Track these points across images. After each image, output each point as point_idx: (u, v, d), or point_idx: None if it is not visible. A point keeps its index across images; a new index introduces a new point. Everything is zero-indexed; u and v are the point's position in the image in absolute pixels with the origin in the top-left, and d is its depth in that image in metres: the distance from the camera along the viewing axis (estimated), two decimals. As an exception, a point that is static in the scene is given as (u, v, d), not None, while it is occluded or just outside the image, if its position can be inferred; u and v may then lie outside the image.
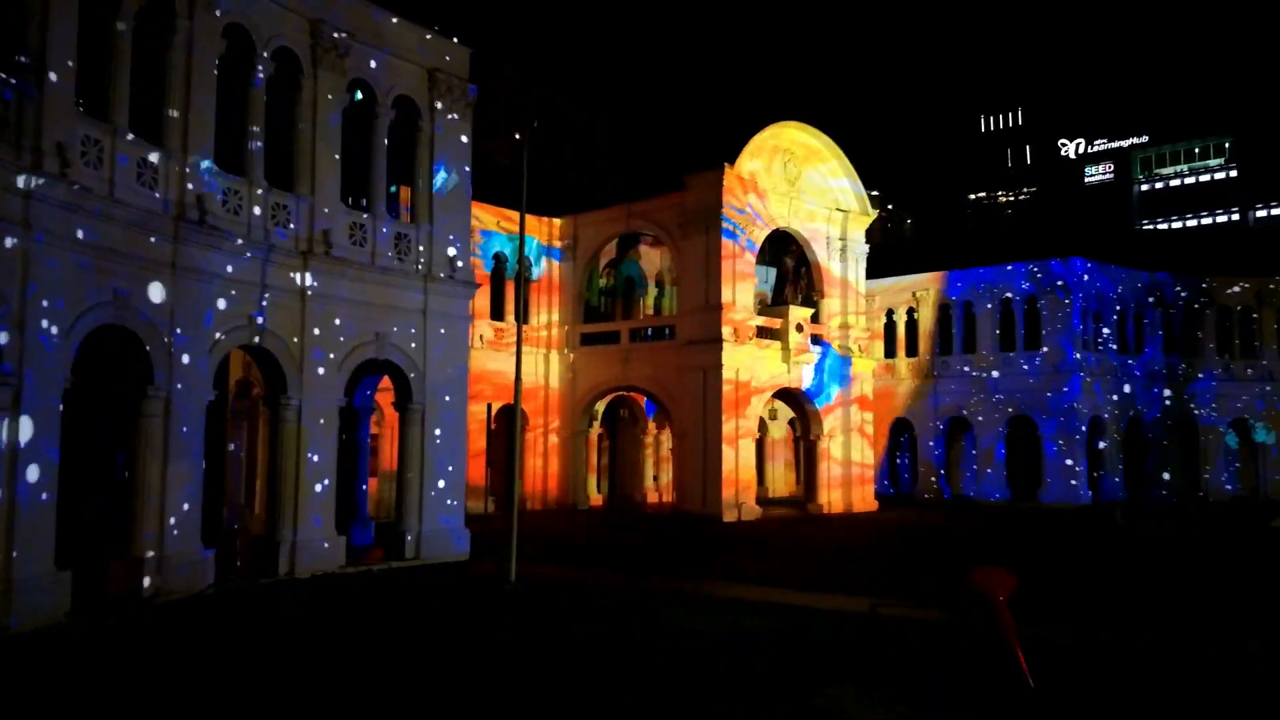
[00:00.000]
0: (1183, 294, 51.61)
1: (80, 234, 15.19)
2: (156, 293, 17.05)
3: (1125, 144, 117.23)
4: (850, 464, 40.86)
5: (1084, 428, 46.26)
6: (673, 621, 15.67)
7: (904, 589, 18.59)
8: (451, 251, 23.73)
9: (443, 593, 18.67)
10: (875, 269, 47.43)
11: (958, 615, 11.71)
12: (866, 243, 42.51)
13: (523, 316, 40.36)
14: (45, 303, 14.38)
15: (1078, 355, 46.21)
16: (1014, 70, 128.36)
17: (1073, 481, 45.69)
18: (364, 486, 25.54)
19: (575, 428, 40.62)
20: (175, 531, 17.28)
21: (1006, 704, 10.69)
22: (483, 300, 37.35)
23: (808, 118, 40.02)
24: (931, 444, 49.49)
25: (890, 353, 52.28)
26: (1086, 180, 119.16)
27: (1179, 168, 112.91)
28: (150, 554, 16.90)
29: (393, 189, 26.27)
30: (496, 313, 39.39)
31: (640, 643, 14.12)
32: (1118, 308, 49.83)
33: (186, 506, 17.59)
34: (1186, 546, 28.16)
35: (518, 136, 21.44)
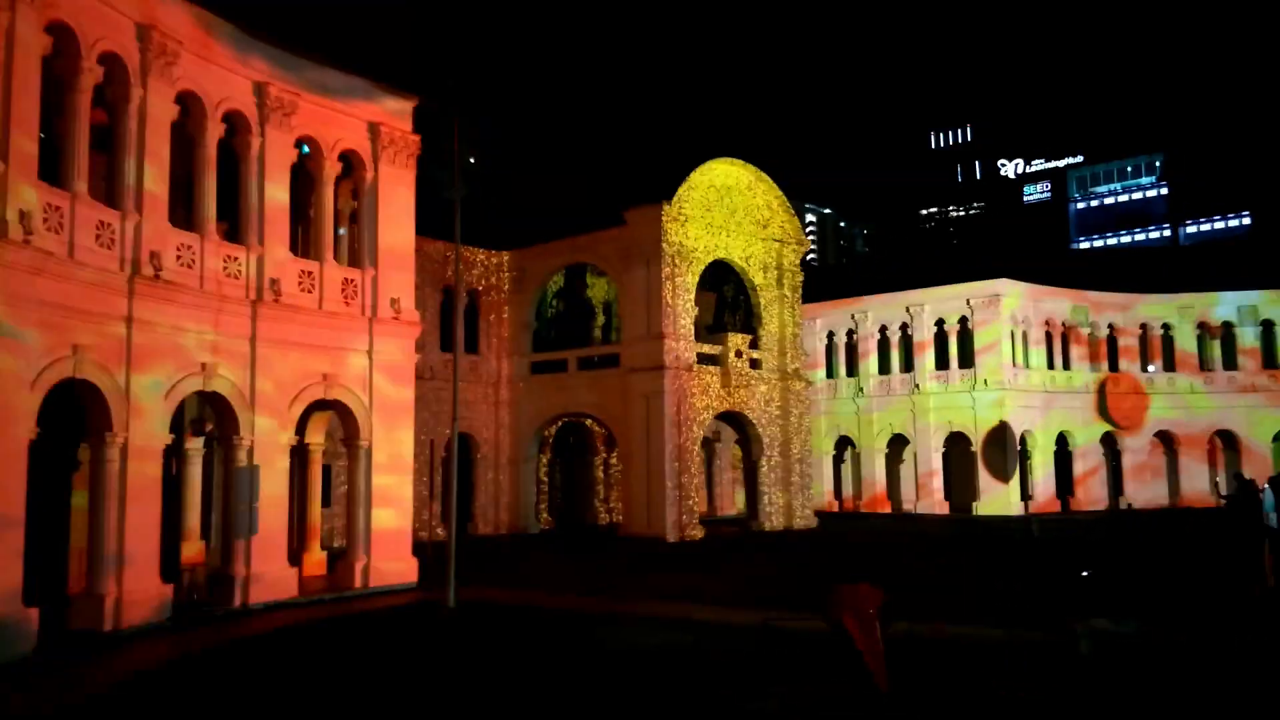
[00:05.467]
0: (1108, 312, 54.37)
1: (43, 295, 16.44)
2: (114, 345, 18.30)
3: (1061, 164, 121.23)
4: (790, 483, 42.68)
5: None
6: (600, 639, 17.21)
7: (810, 601, 20.20)
8: (396, 294, 25.10)
9: (387, 619, 20.02)
10: (818, 291, 49.60)
11: (831, 626, 13.42)
12: (811, 261, 44.64)
13: (469, 347, 41.64)
14: (10, 360, 15.62)
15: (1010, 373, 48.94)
16: (962, 87, 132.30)
17: (1006, 495, 48.36)
18: (315, 519, 26.72)
19: (525, 453, 42.05)
20: (135, 568, 18.45)
21: (865, 705, 12.32)
22: (433, 332, 38.68)
23: (759, 138, 43.29)
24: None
25: (831, 373, 54.52)
26: (1025, 200, 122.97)
27: (1113, 185, 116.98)
28: (111, 590, 18.07)
29: (340, 231, 27.67)
30: (446, 344, 40.70)
31: (567, 661, 15.62)
32: (1046, 326, 52.60)
33: (145, 544, 18.76)
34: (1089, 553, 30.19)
35: (455, 187, 22.98)
